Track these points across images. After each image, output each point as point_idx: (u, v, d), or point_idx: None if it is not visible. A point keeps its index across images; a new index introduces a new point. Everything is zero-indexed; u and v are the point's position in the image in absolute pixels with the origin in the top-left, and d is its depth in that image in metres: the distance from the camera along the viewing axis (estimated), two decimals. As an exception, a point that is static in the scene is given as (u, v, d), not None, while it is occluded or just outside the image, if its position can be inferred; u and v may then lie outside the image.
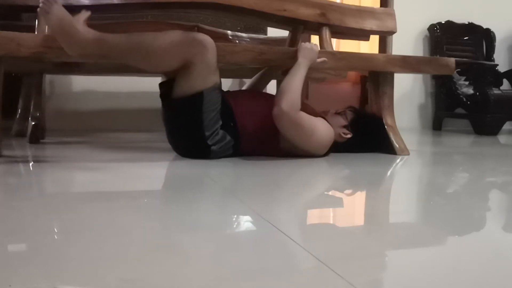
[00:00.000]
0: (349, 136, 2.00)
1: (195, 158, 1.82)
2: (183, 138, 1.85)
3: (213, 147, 1.79)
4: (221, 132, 1.81)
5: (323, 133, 1.90)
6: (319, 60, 1.95)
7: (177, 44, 1.68)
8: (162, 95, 1.84)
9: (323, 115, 2.01)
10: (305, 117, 1.84)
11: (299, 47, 1.94)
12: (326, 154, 1.96)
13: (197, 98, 1.73)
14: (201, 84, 1.74)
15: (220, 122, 1.80)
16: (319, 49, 1.98)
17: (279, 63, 2.00)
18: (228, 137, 1.82)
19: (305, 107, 1.97)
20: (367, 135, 2.08)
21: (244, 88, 2.44)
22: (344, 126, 2.01)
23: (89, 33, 1.66)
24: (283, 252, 0.77)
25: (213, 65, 1.74)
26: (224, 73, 2.79)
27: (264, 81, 2.41)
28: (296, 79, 1.85)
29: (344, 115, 2.05)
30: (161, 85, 1.85)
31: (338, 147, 1.99)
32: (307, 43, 1.95)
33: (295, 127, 1.81)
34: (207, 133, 1.76)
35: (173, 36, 1.70)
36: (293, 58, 1.92)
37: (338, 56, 2.08)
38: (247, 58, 1.92)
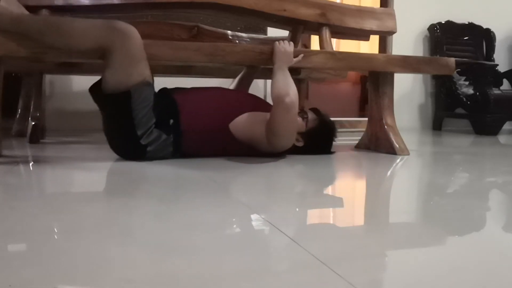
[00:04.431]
0: (299, 144, 1.97)
1: (130, 159, 1.78)
2: (115, 138, 1.81)
3: (148, 148, 1.75)
4: (155, 131, 1.76)
5: (293, 133, 1.90)
6: (295, 59, 1.91)
7: (96, 28, 1.65)
8: (91, 90, 1.77)
9: None
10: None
11: (274, 50, 1.89)
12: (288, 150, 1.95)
13: (125, 95, 1.68)
14: (126, 79, 1.68)
15: (154, 120, 1.75)
16: (293, 47, 1.92)
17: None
18: (164, 136, 1.78)
19: (261, 104, 2.00)
20: (317, 145, 2.04)
21: None
22: (300, 133, 1.95)
23: (9, 10, 1.66)
24: (283, 252, 0.77)
25: (136, 56, 1.68)
26: (224, 73, 2.80)
27: (247, 83, 2.37)
28: (289, 78, 1.83)
29: (306, 119, 1.96)
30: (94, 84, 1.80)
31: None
32: (280, 46, 1.89)
33: (292, 121, 1.80)
34: (139, 132, 1.71)
35: (94, 21, 1.68)
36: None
37: (338, 56, 2.08)
38: (247, 58, 1.92)
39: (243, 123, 1.88)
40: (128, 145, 1.77)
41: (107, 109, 1.77)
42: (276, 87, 1.80)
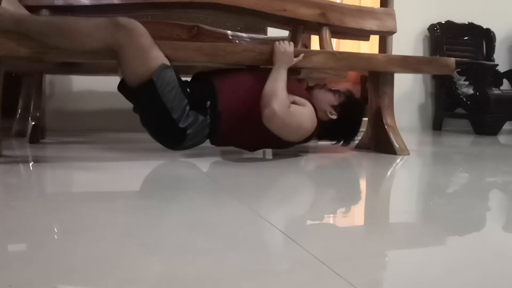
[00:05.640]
0: (333, 117, 2.02)
1: (172, 143, 1.84)
2: (155, 127, 1.84)
3: (188, 131, 1.78)
4: (191, 113, 1.79)
5: (308, 125, 1.90)
6: (296, 59, 1.91)
7: (99, 28, 1.66)
8: (120, 87, 1.83)
9: (309, 94, 2.03)
10: (294, 112, 1.83)
11: (274, 51, 1.89)
12: (310, 139, 1.99)
13: (149, 84, 1.71)
14: (145, 69, 1.70)
15: (186, 101, 1.77)
16: (293, 47, 1.92)
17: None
18: (201, 117, 1.81)
19: (295, 87, 1.99)
20: (350, 117, 2.10)
21: None
22: (333, 106, 2.04)
23: (10, 10, 1.68)
24: (283, 252, 0.77)
25: (146, 45, 1.70)
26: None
27: None
28: (280, 81, 1.82)
29: (337, 94, 2.07)
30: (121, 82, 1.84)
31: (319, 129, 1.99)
32: (280, 46, 1.89)
33: (283, 127, 1.80)
34: (175, 115, 1.74)
35: (97, 20, 1.70)
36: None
37: (338, 56, 2.08)
38: (247, 58, 1.92)
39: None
40: (168, 131, 1.80)
41: (139, 102, 1.81)
42: (262, 94, 1.80)
